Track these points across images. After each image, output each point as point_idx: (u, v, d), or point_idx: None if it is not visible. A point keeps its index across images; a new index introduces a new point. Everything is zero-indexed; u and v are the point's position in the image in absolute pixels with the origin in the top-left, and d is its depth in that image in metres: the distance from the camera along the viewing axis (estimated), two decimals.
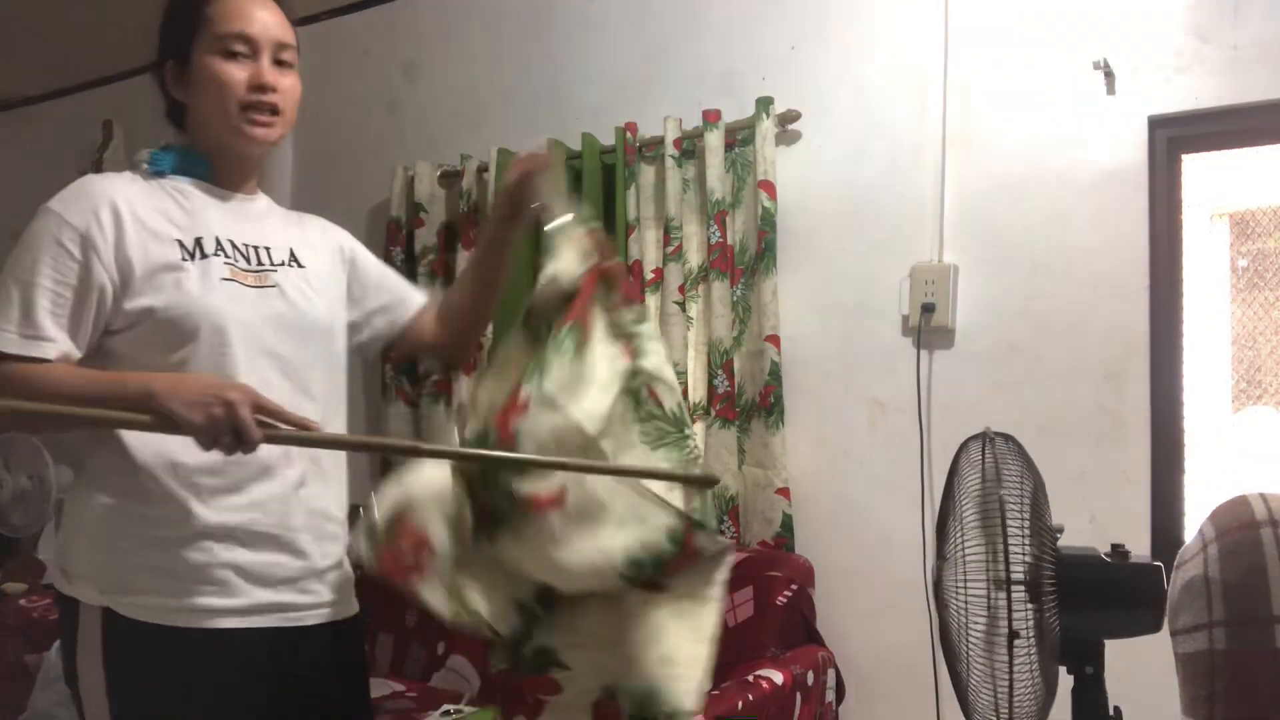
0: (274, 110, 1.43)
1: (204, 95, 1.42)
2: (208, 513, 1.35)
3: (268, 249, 1.47)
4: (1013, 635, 1.26)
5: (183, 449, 1.30)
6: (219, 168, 1.48)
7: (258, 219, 1.50)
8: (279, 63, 1.44)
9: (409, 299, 1.66)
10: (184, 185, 1.45)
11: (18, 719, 2.61)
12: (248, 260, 1.43)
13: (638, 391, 1.40)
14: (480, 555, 1.32)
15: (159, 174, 1.44)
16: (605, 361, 1.37)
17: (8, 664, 3.12)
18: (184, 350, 1.35)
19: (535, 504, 1.27)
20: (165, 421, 1.21)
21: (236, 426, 1.21)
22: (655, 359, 1.44)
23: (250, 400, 1.22)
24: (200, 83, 1.42)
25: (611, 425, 1.34)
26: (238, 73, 1.40)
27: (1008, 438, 1.40)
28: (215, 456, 1.26)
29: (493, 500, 1.29)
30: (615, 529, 1.29)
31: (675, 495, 1.37)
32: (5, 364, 1.31)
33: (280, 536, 1.41)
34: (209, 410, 1.20)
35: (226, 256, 1.41)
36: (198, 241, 1.39)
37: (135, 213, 1.37)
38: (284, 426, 1.26)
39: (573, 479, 1.28)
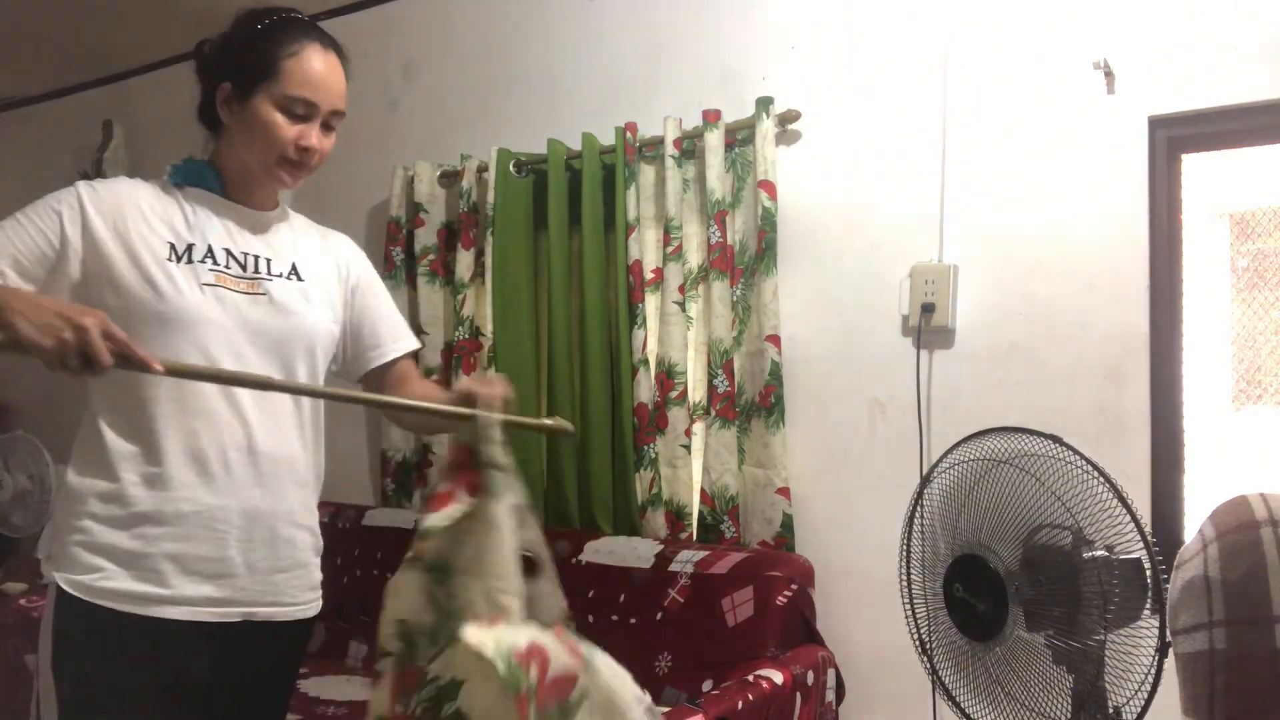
0: (309, 166, 1.54)
1: (251, 135, 1.50)
2: (147, 497, 1.42)
3: (269, 260, 1.55)
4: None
5: (135, 429, 1.42)
6: (235, 185, 1.56)
7: (264, 232, 1.58)
8: (326, 125, 1.54)
9: (390, 345, 1.70)
10: (199, 195, 1.54)
11: None
12: (243, 268, 1.52)
13: None
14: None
15: (177, 185, 1.54)
16: None
17: (8, 664, 3.12)
18: (156, 339, 1.41)
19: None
20: (12, 340, 1.23)
21: (87, 352, 1.22)
22: None
23: (102, 326, 1.24)
24: (252, 124, 1.49)
25: None
26: (289, 130, 1.49)
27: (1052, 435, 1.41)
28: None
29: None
30: None
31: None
32: None
33: (216, 531, 1.45)
34: (59, 335, 1.22)
35: (215, 263, 1.49)
36: (189, 247, 1.48)
37: (142, 208, 1.48)
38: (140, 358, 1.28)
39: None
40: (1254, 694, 0.91)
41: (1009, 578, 1.53)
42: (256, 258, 1.54)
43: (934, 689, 2.29)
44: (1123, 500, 1.33)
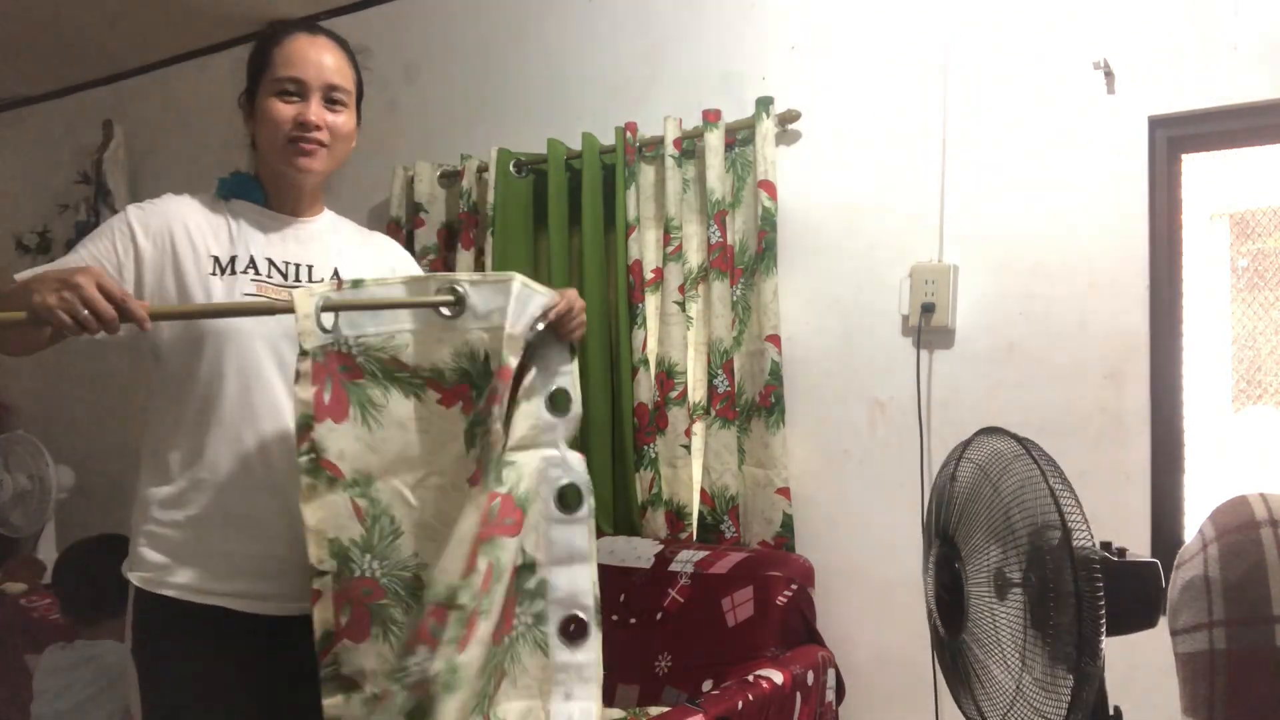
0: (320, 143, 1.60)
1: (262, 130, 1.61)
2: (200, 499, 1.54)
3: (310, 267, 1.64)
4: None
5: (186, 439, 1.55)
6: (275, 193, 1.66)
7: (306, 240, 1.67)
8: (331, 101, 1.61)
9: None
10: (243, 208, 1.63)
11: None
12: (284, 277, 1.61)
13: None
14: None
15: (224, 198, 1.64)
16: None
17: (8, 664, 3.13)
18: (201, 350, 1.53)
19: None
20: (32, 315, 1.30)
21: (89, 305, 1.28)
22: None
23: (95, 279, 1.30)
24: (259, 119, 1.61)
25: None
26: (287, 111, 1.58)
27: (1017, 437, 1.41)
28: (217, 453, 1.52)
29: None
30: None
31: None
32: None
33: (264, 530, 1.54)
34: (59, 294, 1.28)
35: (257, 274, 1.59)
36: (232, 259, 1.59)
37: (188, 225, 1.59)
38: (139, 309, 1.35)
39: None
40: (1254, 694, 0.91)
41: (968, 569, 1.52)
42: (298, 265, 1.63)
43: (935, 685, 2.29)
44: (1054, 496, 1.30)
